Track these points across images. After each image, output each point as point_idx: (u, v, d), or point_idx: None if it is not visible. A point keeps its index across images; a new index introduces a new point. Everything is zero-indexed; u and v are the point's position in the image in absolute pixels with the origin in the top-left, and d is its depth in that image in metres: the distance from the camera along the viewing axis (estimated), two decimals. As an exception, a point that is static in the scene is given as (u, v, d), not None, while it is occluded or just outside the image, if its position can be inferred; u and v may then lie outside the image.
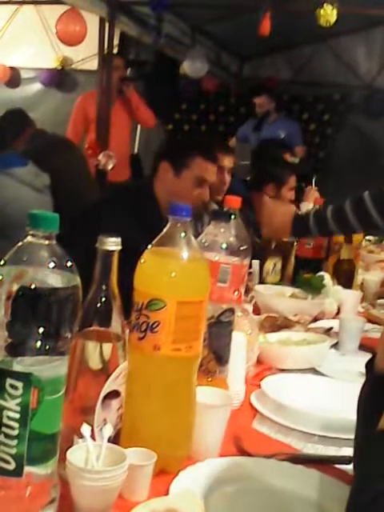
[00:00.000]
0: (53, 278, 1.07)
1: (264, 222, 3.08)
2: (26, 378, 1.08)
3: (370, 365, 1.27)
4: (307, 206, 4.96)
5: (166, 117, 8.87)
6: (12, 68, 8.68)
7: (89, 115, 6.67)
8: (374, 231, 3.25)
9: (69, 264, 1.10)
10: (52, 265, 1.08)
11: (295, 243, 3.56)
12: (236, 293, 1.81)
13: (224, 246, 1.77)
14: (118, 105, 6.70)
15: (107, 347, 1.32)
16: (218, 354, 1.71)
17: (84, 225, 2.94)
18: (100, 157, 6.21)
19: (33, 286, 1.05)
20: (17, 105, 6.03)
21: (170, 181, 3.13)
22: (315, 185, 5.36)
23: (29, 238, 1.09)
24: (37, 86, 8.81)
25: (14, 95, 8.59)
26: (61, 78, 8.67)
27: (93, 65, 7.39)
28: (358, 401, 1.28)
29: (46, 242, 1.09)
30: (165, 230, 1.40)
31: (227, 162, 3.97)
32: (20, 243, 1.10)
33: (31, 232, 1.09)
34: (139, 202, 3.10)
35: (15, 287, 1.05)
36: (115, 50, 7.00)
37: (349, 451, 1.45)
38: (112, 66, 6.53)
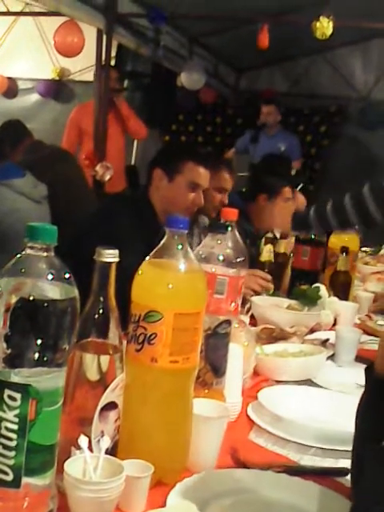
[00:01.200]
0: (51, 290, 1.08)
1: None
2: (24, 389, 1.09)
3: (369, 370, 1.28)
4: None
5: (163, 128, 8.88)
6: (9, 78, 8.71)
7: (83, 127, 6.68)
8: (373, 227, 3.24)
9: (67, 276, 1.11)
10: (50, 277, 1.09)
11: (292, 255, 3.56)
12: (233, 304, 1.81)
13: (221, 257, 1.78)
14: (111, 116, 6.70)
15: (105, 359, 1.32)
16: (214, 365, 1.71)
17: (81, 236, 2.94)
18: (97, 168, 6.22)
19: (31, 298, 1.06)
20: (14, 115, 6.06)
21: (164, 187, 3.15)
22: (301, 191, 5.35)
23: (27, 250, 1.10)
24: (34, 97, 8.84)
25: (12, 106, 8.61)
26: (58, 89, 8.69)
27: (90, 76, 7.41)
28: (358, 409, 1.29)
29: (45, 254, 1.09)
30: (162, 241, 1.41)
31: (229, 184, 3.99)
32: (18, 255, 1.10)
33: (30, 244, 1.09)
34: (136, 212, 3.11)
35: (14, 299, 1.05)
36: (113, 62, 7.03)
37: (346, 463, 1.45)
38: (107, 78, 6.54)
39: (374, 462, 1.11)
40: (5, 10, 7.93)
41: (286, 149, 7.54)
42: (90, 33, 6.61)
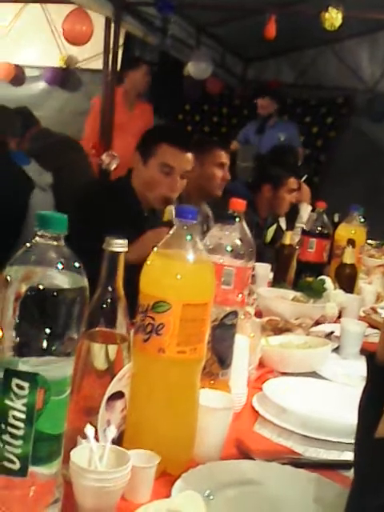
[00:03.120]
0: (61, 279, 1.07)
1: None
2: (32, 378, 1.08)
3: (370, 359, 1.29)
4: (306, 207, 4.97)
5: (169, 117, 8.87)
6: (17, 66, 8.69)
7: None
8: None
9: (77, 265, 1.10)
10: (60, 266, 1.08)
11: (297, 247, 3.56)
12: (240, 295, 1.81)
13: (228, 248, 1.78)
14: (138, 110, 6.68)
15: (112, 348, 1.32)
16: (220, 356, 1.71)
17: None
18: (103, 157, 6.21)
19: (41, 287, 1.05)
20: (21, 103, 6.03)
21: (140, 170, 3.10)
22: (306, 183, 5.35)
23: (37, 239, 1.09)
24: (41, 85, 8.82)
25: (19, 93, 8.59)
26: (65, 77, 8.68)
27: (97, 64, 7.39)
28: (360, 399, 1.29)
29: (55, 243, 1.09)
30: (171, 232, 1.41)
31: (226, 158, 3.97)
32: (28, 244, 1.10)
33: (39, 233, 1.09)
34: (117, 196, 3.08)
35: (24, 288, 1.05)
36: (120, 50, 7.01)
37: (350, 455, 1.45)
38: (137, 70, 6.53)
39: (371, 454, 1.11)
40: (13, -3, 7.92)
41: (285, 138, 7.51)
42: (97, 21, 6.59)
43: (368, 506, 1.01)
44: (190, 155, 3.14)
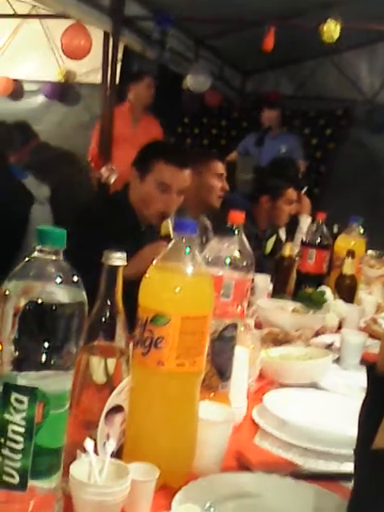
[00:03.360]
0: (60, 294, 1.08)
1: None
2: (31, 392, 1.09)
3: (370, 369, 1.29)
4: (305, 218, 4.97)
5: (168, 130, 8.88)
6: (15, 80, 8.71)
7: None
8: None
9: (75, 279, 1.11)
10: (59, 280, 1.09)
11: (297, 258, 3.56)
12: (239, 307, 1.81)
13: (227, 260, 1.78)
14: (143, 124, 6.69)
15: (111, 362, 1.32)
16: (220, 369, 1.71)
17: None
18: (102, 170, 6.22)
19: (40, 301, 1.06)
20: (20, 117, 6.06)
21: (137, 187, 3.11)
22: (307, 195, 5.35)
23: (36, 253, 1.10)
24: (40, 99, 8.84)
25: (18, 107, 8.61)
26: (64, 91, 8.69)
27: (96, 78, 7.41)
28: (360, 409, 1.29)
29: (54, 258, 1.10)
30: (170, 245, 1.41)
31: (223, 169, 3.98)
32: (27, 258, 1.10)
33: (38, 247, 1.10)
34: (116, 211, 3.09)
35: (22, 302, 1.06)
36: (119, 64, 7.03)
37: (350, 467, 1.44)
38: (140, 83, 6.55)
39: (369, 465, 1.11)
40: (12, 12, 7.93)
41: (287, 150, 7.53)
42: (95, 35, 6.61)
43: None
44: (187, 172, 3.14)
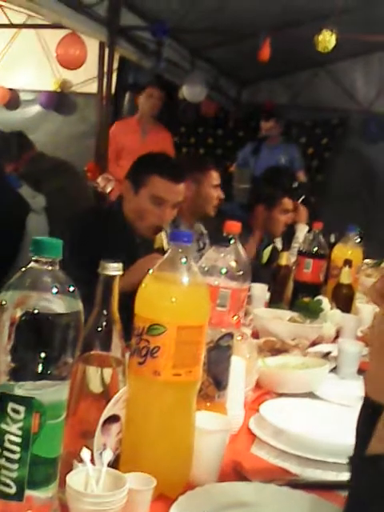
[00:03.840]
0: (56, 304, 1.08)
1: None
2: (27, 402, 1.09)
3: None
4: (302, 228, 4.97)
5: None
6: (11, 90, 8.72)
7: (120, 143, 6.57)
8: None
9: (71, 289, 1.11)
10: (55, 290, 1.09)
11: (294, 268, 3.57)
12: (235, 317, 1.82)
13: (223, 270, 1.79)
14: (153, 133, 6.68)
15: (108, 372, 1.32)
16: (216, 378, 1.71)
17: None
18: (99, 180, 6.23)
19: (36, 312, 1.06)
20: (16, 127, 6.07)
21: (131, 200, 3.10)
22: (303, 204, 5.35)
23: (32, 264, 1.10)
24: (36, 108, 8.84)
25: (13, 117, 8.63)
26: (60, 101, 8.70)
27: (92, 88, 7.42)
28: (357, 419, 1.29)
29: (50, 268, 1.10)
30: (166, 255, 1.41)
31: (219, 179, 4.00)
32: (23, 268, 1.11)
33: (35, 258, 1.10)
34: (107, 223, 3.11)
35: (18, 313, 1.06)
36: (114, 74, 7.04)
37: (347, 476, 1.45)
38: (151, 96, 6.57)
39: (364, 469, 1.11)
40: (7, 22, 7.95)
41: (286, 160, 7.55)
42: (91, 44, 6.63)
43: None
44: (181, 186, 3.14)
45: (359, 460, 1.16)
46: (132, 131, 6.60)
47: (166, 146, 6.61)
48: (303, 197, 5.43)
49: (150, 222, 3.04)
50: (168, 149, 6.45)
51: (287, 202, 4.44)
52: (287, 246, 4.43)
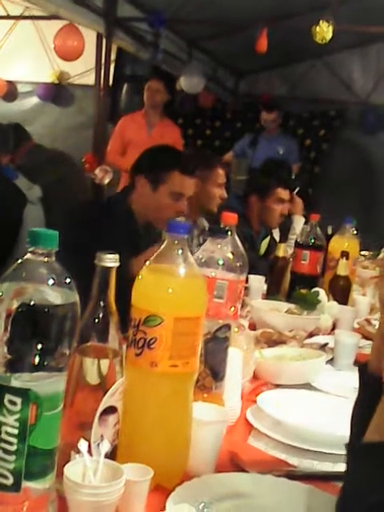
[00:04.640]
0: (52, 295, 1.08)
1: None
2: (24, 393, 1.09)
3: (362, 369, 1.30)
4: (299, 219, 4.96)
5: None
6: (9, 82, 8.72)
7: (127, 137, 6.51)
8: None
9: (68, 281, 1.11)
10: (51, 282, 1.09)
11: (291, 259, 3.57)
12: (232, 308, 1.81)
13: (220, 262, 1.78)
14: (159, 127, 6.68)
15: (105, 363, 1.32)
16: (214, 370, 1.71)
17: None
18: (96, 171, 6.22)
19: (32, 303, 1.06)
20: (13, 118, 6.06)
21: (147, 196, 3.12)
22: (299, 195, 5.33)
23: (28, 255, 1.10)
24: (34, 100, 8.84)
25: (11, 109, 8.62)
26: (57, 92, 8.69)
27: (89, 79, 7.42)
28: (352, 409, 1.30)
29: (46, 260, 1.10)
30: (162, 246, 1.41)
31: (224, 177, 4.00)
32: (19, 260, 1.10)
33: (31, 249, 1.10)
34: (111, 216, 3.10)
35: (15, 304, 1.06)
36: (112, 66, 7.04)
37: (344, 467, 1.45)
38: (150, 89, 6.54)
39: (359, 457, 1.12)
40: (4, 13, 7.94)
41: (284, 152, 7.54)
42: (89, 36, 6.62)
43: (355, 508, 1.02)
44: (194, 179, 3.22)
45: (355, 448, 1.16)
46: (138, 125, 6.57)
47: (173, 139, 6.57)
48: (298, 188, 5.42)
49: (167, 216, 3.05)
50: (176, 142, 6.42)
51: (281, 192, 4.40)
52: (284, 237, 4.43)
